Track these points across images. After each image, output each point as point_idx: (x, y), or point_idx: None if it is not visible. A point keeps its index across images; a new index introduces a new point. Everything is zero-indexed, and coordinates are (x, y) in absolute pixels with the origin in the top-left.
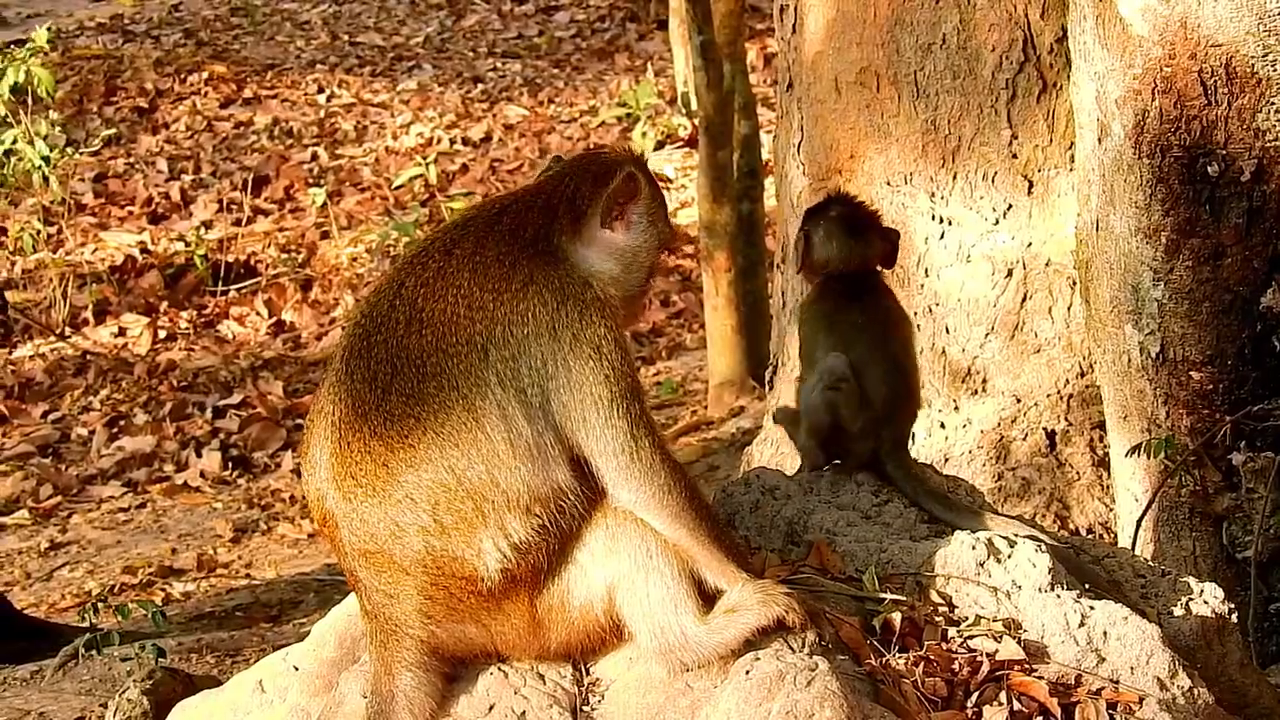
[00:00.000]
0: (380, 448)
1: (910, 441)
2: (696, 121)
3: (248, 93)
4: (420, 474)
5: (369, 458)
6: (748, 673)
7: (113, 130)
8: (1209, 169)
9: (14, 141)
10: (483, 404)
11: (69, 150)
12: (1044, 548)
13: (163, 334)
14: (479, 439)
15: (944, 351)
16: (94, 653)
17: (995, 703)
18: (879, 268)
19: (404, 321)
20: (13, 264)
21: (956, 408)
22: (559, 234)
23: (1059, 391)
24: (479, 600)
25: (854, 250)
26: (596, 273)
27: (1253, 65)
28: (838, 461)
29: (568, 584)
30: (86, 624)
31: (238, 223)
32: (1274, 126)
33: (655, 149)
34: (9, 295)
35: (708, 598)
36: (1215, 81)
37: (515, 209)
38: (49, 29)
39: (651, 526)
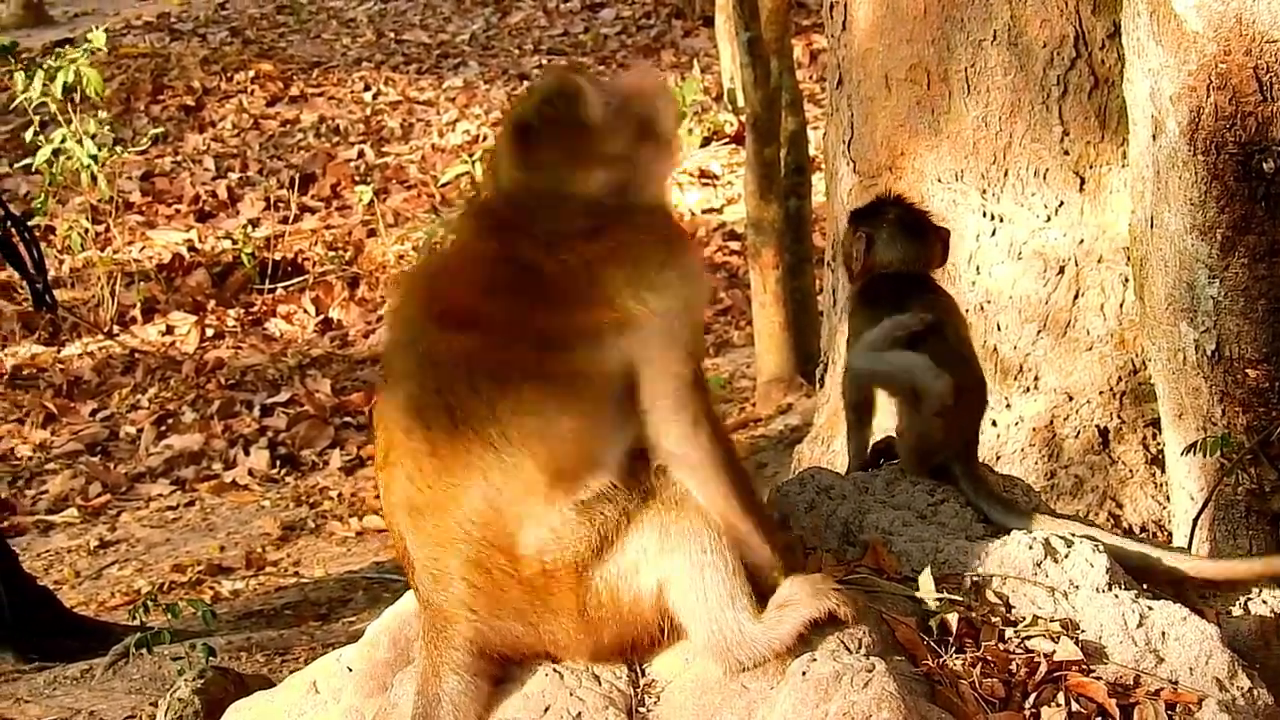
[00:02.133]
0: (440, 435)
1: None
2: (743, 118)
3: (294, 91)
4: (473, 463)
5: (428, 443)
6: (804, 673)
7: (160, 129)
8: (1264, 165)
9: (62, 140)
10: (533, 394)
11: (116, 149)
12: (1101, 547)
13: (210, 332)
14: (529, 429)
15: (995, 349)
16: (144, 651)
17: (1053, 704)
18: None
19: (508, 275)
20: (61, 263)
21: (1008, 405)
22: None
23: (1111, 388)
24: (526, 595)
25: (919, 251)
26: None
27: None
28: (893, 462)
29: (617, 579)
30: (136, 622)
31: (284, 221)
32: None
33: (701, 145)
34: (57, 294)
35: (759, 596)
36: (1271, 78)
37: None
38: (105, 30)
39: (705, 523)
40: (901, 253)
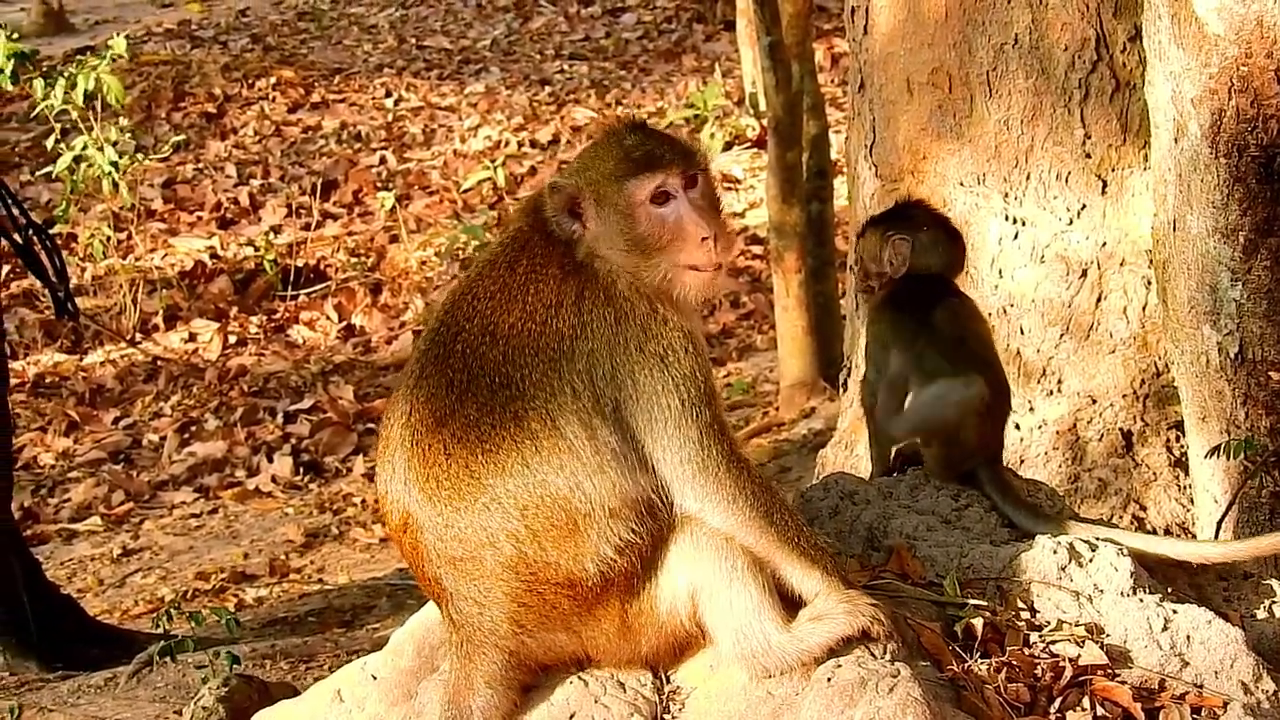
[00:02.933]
0: (462, 452)
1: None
2: (765, 122)
3: (315, 97)
4: (505, 480)
5: (452, 462)
6: (829, 679)
7: (181, 136)
8: None
9: (84, 148)
10: (561, 413)
11: (138, 156)
12: (1126, 551)
13: (233, 339)
14: (560, 446)
15: (1018, 352)
16: (168, 659)
17: (1079, 708)
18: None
19: (478, 333)
20: (83, 270)
21: (1031, 409)
22: (576, 247)
23: (1134, 391)
24: (573, 606)
25: (957, 255)
26: (626, 273)
27: None
28: (916, 467)
29: (655, 589)
30: (160, 630)
31: (306, 227)
32: None
33: (723, 150)
34: (80, 301)
35: (791, 603)
36: None
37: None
38: (126, 37)
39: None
40: (943, 257)
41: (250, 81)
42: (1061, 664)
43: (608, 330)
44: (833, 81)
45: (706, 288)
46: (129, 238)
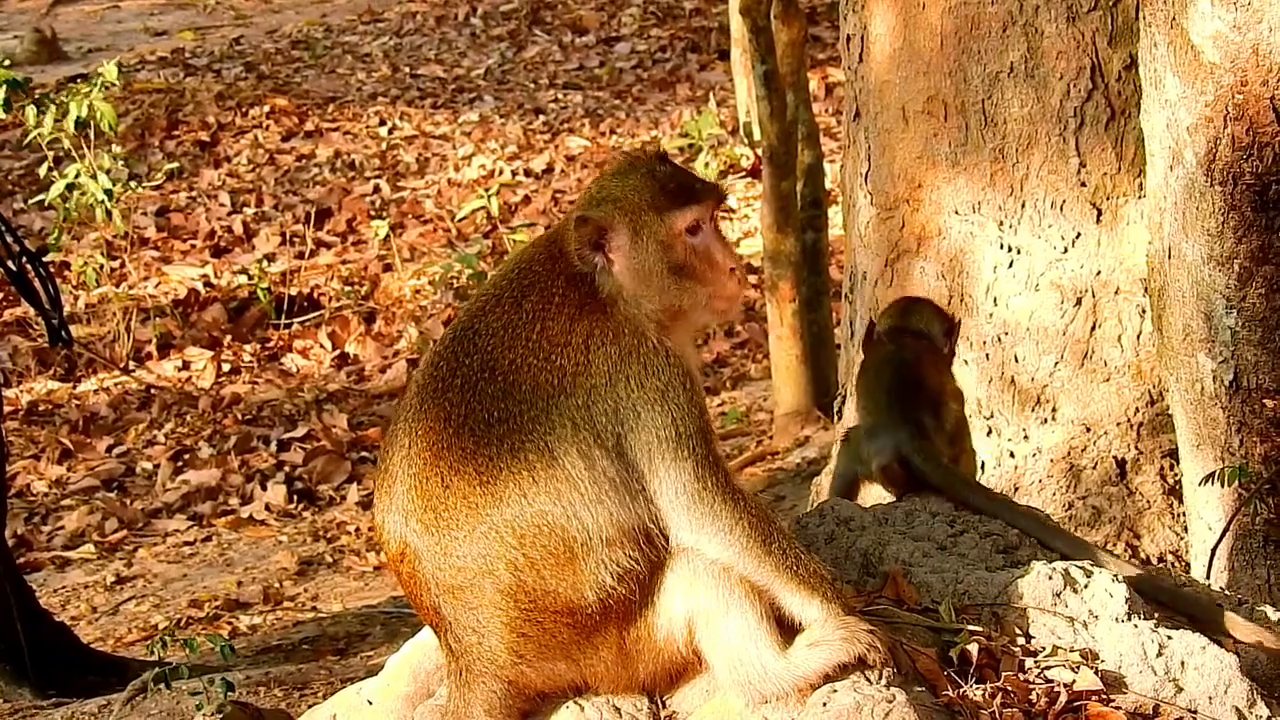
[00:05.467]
0: (461, 484)
1: (980, 471)
2: (759, 151)
3: (309, 126)
4: (503, 510)
5: (450, 493)
6: (825, 705)
7: (175, 164)
8: None
9: (77, 176)
10: (559, 445)
11: (131, 184)
12: (1121, 577)
13: (226, 367)
14: (557, 476)
15: (1013, 380)
16: (162, 686)
17: None
18: None
19: (478, 368)
20: (76, 298)
21: (1026, 436)
22: (599, 280)
23: (1129, 419)
24: (573, 634)
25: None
26: (642, 309)
27: None
28: None
29: (653, 616)
30: (154, 658)
31: (300, 256)
32: None
33: (718, 179)
34: (73, 329)
35: (788, 627)
36: None
37: (565, 260)
38: (117, 64)
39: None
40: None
41: (244, 110)
42: (1056, 689)
43: (610, 366)
44: (827, 111)
45: (729, 314)
46: (122, 265)
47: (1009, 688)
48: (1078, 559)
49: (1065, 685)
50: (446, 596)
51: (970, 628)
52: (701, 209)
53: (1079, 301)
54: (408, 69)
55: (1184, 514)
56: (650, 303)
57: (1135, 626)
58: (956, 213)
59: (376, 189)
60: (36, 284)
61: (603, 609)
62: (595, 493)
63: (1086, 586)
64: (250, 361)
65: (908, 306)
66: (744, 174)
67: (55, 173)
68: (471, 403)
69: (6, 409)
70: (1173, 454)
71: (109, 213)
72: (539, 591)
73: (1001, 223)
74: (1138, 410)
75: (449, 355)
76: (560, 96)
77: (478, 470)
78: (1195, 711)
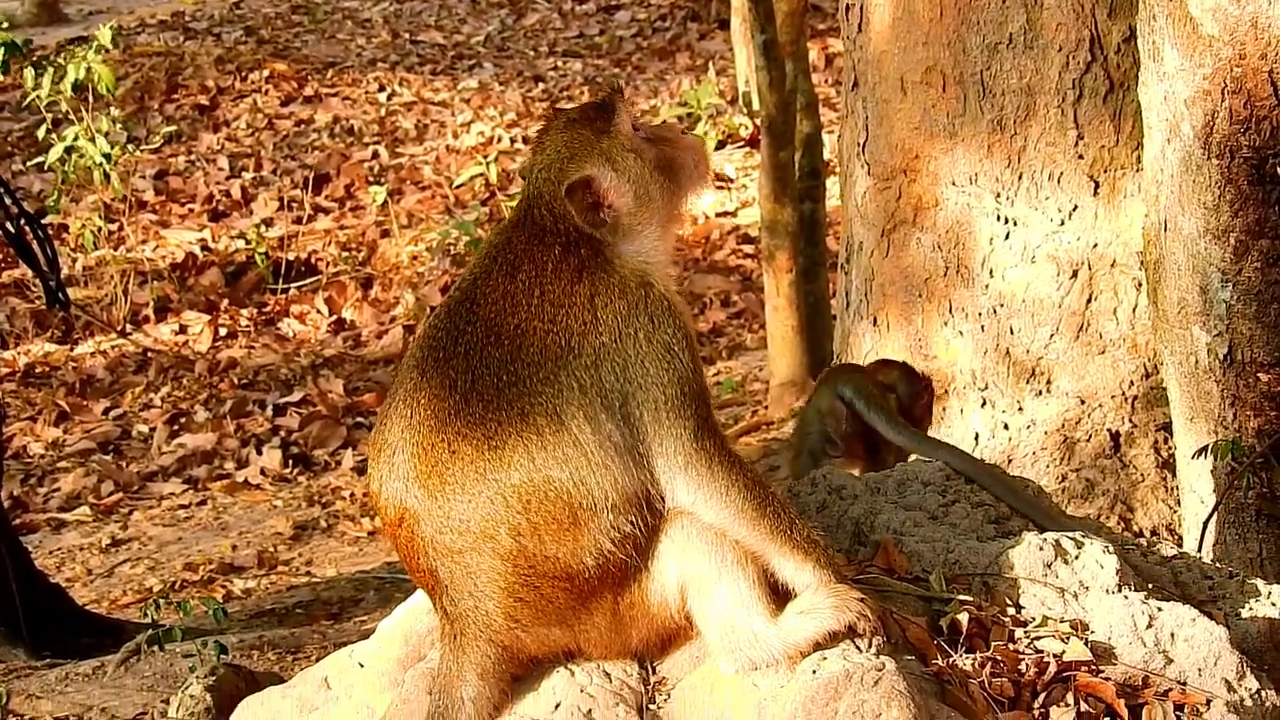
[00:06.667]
0: (468, 449)
1: (975, 442)
2: (758, 121)
3: (309, 91)
4: (510, 474)
5: (456, 458)
6: (814, 672)
7: (174, 128)
8: (1279, 170)
9: (75, 139)
10: (566, 409)
11: (130, 147)
12: (1111, 549)
13: (223, 331)
14: (564, 441)
15: (1008, 352)
16: (156, 649)
17: (1062, 704)
18: None
19: (481, 334)
20: (74, 261)
21: (1020, 409)
22: (605, 235)
23: (1124, 392)
24: (569, 599)
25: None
26: (645, 259)
27: None
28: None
29: (648, 581)
30: (148, 620)
31: (298, 221)
32: None
33: (716, 148)
34: (70, 292)
35: (780, 595)
36: None
37: (554, 227)
38: (112, 27)
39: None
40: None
41: (243, 74)
42: (1046, 660)
43: (619, 322)
44: (826, 81)
45: (710, 168)
46: (120, 229)
47: (998, 657)
48: (1010, 503)
49: (1055, 656)
50: (445, 560)
51: (960, 597)
52: (622, 107)
53: (1075, 274)
54: (407, 35)
55: (1177, 487)
56: (655, 225)
57: (1125, 598)
58: (954, 184)
59: (375, 155)
60: (34, 246)
61: (600, 574)
62: (601, 458)
63: (1077, 558)
64: (247, 326)
65: (882, 364)
66: (742, 144)
67: (54, 135)
68: (478, 369)
69: (4, 371)
70: (1167, 427)
71: (107, 176)
72: (539, 556)
73: (999, 194)
74: (1132, 383)
75: (447, 326)
76: (560, 64)
77: (486, 435)
78: (1184, 683)
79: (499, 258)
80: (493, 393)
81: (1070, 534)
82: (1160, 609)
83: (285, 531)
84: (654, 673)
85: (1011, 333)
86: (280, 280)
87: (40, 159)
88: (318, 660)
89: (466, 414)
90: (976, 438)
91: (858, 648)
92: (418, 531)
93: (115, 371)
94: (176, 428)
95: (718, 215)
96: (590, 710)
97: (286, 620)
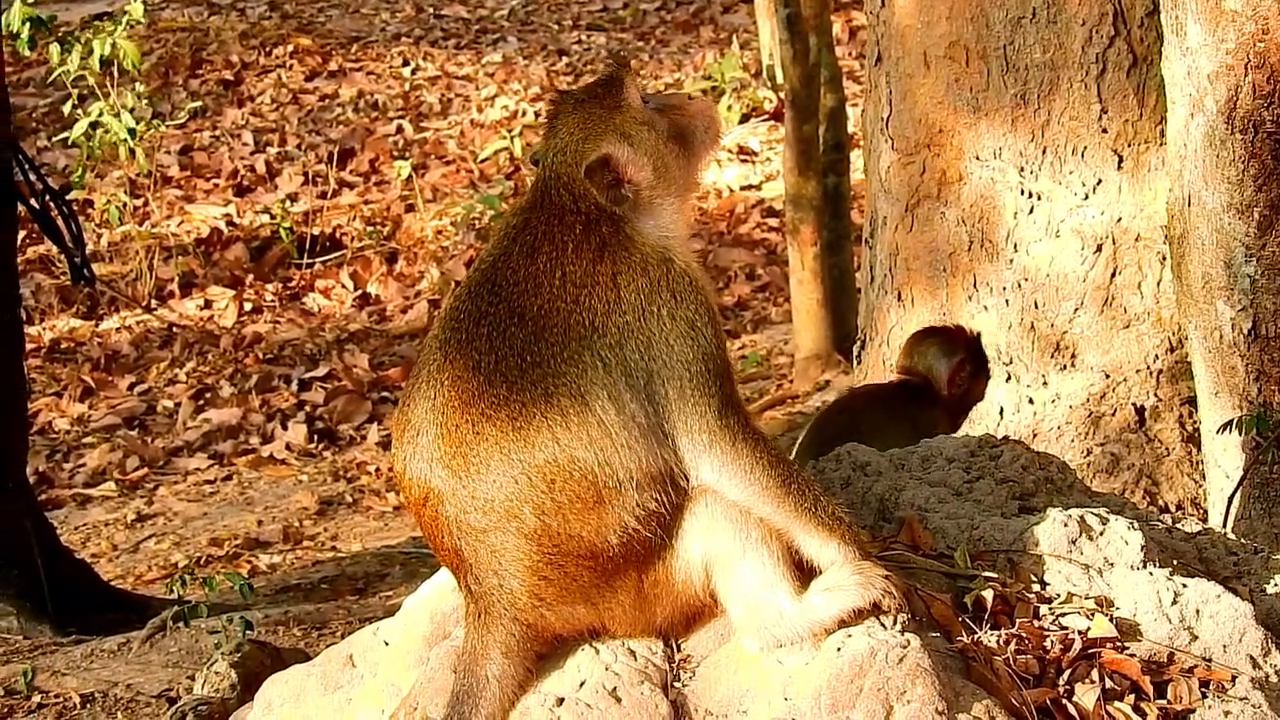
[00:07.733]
0: (492, 430)
1: (999, 417)
2: (782, 95)
3: (333, 65)
4: (535, 455)
5: (481, 439)
6: (839, 649)
7: (198, 103)
8: None
9: (100, 114)
10: (591, 388)
11: (155, 123)
12: (1136, 525)
13: (248, 306)
14: (589, 421)
15: (1033, 326)
16: (181, 625)
17: (1087, 680)
18: None
19: (504, 316)
20: (99, 236)
21: (1045, 383)
22: (626, 212)
23: (1148, 367)
24: (593, 578)
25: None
26: (665, 234)
27: None
28: None
29: (672, 559)
30: (173, 596)
31: (323, 196)
32: None
33: (740, 122)
34: (96, 268)
35: (805, 571)
36: None
37: (574, 206)
38: (142, 2)
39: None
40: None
41: (268, 49)
42: (1070, 636)
43: (642, 300)
44: (850, 54)
45: (721, 129)
46: (145, 204)
47: (1023, 634)
48: None
49: (1080, 632)
50: (469, 539)
51: (985, 574)
52: (629, 80)
53: (1099, 248)
54: (431, 9)
55: (1202, 462)
56: (673, 196)
57: (1150, 574)
58: (978, 158)
59: (399, 129)
60: (60, 222)
61: (625, 552)
62: (625, 437)
63: (1102, 534)
64: (272, 301)
65: (914, 344)
66: (766, 117)
67: (79, 110)
68: (501, 350)
69: (29, 346)
70: (1191, 401)
71: (132, 151)
72: (563, 535)
73: (1023, 169)
74: (1157, 358)
75: (470, 309)
76: (584, 38)
77: (510, 416)
78: (1209, 660)
79: (518, 239)
80: (516, 373)
81: (1095, 510)
82: (1185, 585)
83: (310, 506)
84: (679, 650)
85: (1036, 307)
86: (305, 255)
87: (65, 134)
88: (343, 636)
89: (491, 395)
90: (1001, 412)
91: (883, 625)
92: (442, 511)
93: (140, 347)
94: (202, 403)
95: (742, 189)
96: (615, 688)
97: (312, 596)
